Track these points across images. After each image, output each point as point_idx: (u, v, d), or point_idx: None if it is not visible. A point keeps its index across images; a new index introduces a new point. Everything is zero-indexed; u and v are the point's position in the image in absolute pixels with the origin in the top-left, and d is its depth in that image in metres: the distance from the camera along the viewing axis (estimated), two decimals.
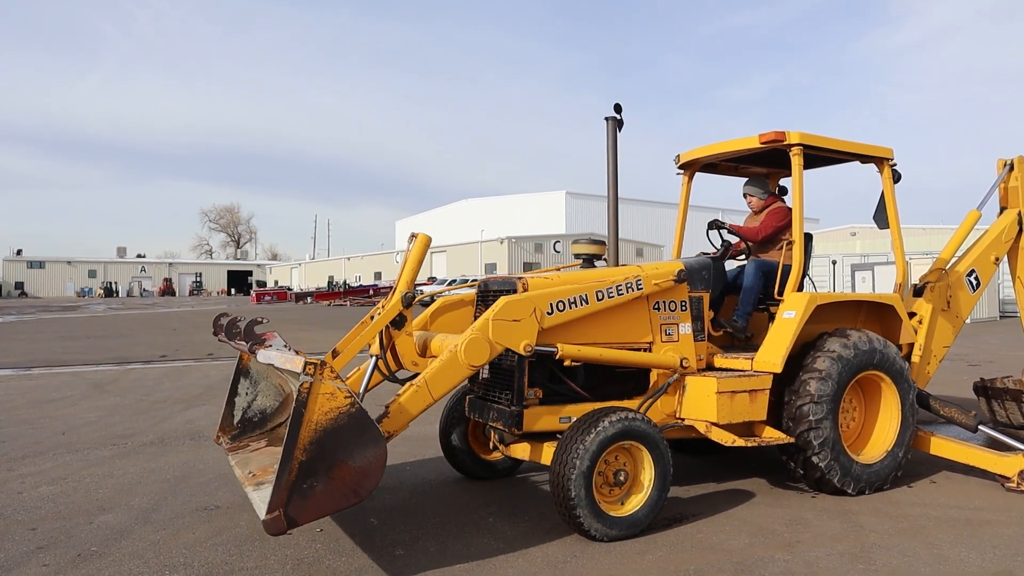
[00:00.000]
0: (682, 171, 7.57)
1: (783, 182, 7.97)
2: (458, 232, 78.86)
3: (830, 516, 5.66)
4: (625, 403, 5.84)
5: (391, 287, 5.90)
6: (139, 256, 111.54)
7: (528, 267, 59.02)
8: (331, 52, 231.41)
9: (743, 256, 7.33)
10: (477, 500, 6.18)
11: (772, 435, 5.95)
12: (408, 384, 5.06)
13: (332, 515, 4.28)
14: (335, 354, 6.04)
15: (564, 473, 4.97)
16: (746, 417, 5.84)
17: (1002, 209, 8.83)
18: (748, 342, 6.66)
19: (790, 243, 6.56)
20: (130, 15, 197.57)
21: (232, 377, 6.33)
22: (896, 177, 7.07)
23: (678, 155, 7.39)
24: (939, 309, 7.86)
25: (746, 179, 7.35)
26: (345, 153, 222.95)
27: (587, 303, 5.56)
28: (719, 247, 6.97)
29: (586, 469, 4.95)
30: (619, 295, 5.70)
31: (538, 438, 5.77)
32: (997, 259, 8.51)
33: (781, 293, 6.38)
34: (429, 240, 5.80)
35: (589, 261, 6.39)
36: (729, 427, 5.83)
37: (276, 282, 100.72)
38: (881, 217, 7.12)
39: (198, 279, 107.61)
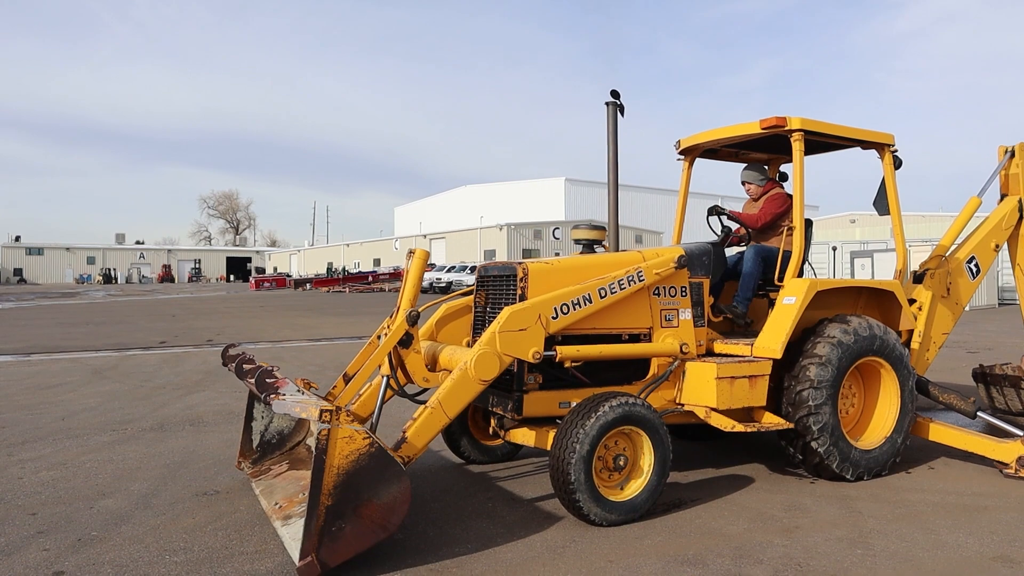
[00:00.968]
0: (683, 157, 7.55)
1: (784, 168, 7.96)
2: (457, 219, 78.83)
3: (828, 502, 5.67)
4: (625, 388, 5.85)
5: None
6: (138, 243, 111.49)
7: (527, 253, 59.00)
8: (330, 38, 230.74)
9: (743, 242, 7.33)
10: (477, 485, 6.19)
11: (771, 420, 5.96)
12: (422, 407, 5.03)
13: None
14: (347, 379, 6.04)
15: (564, 457, 4.97)
16: (746, 403, 5.85)
17: (1003, 196, 8.82)
18: (748, 328, 6.66)
19: (790, 229, 6.55)
20: (128, 0, 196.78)
21: (247, 402, 6.34)
22: (897, 163, 7.05)
23: (679, 140, 7.37)
24: (939, 296, 7.86)
25: (744, 166, 7.33)
26: (344, 139, 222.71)
27: (591, 302, 5.56)
28: (719, 233, 6.96)
29: (586, 454, 4.96)
30: (622, 289, 5.70)
31: (538, 423, 5.78)
32: (997, 246, 8.50)
33: (781, 279, 6.38)
34: (427, 255, 5.79)
35: (589, 246, 6.38)
36: (729, 412, 5.83)
37: (275, 268, 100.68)
38: (881, 203, 7.11)
39: (197, 266, 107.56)
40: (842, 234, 49.26)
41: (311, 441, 6.29)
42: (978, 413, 6.73)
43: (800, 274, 6.75)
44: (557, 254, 56.59)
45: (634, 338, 5.94)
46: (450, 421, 5.06)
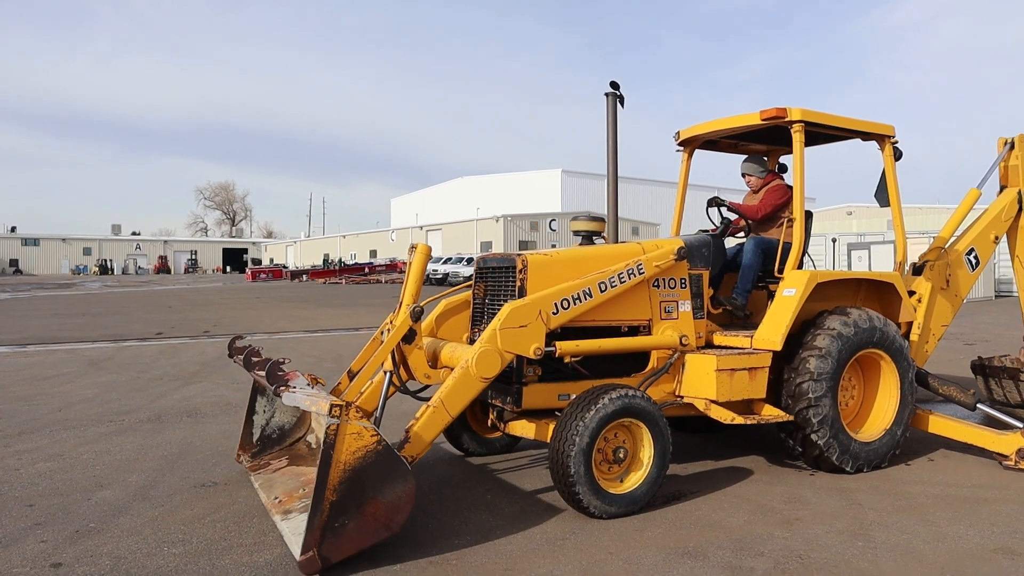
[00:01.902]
0: (682, 148, 7.52)
1: (783, 160, 7.93)
2: (454, 210, 78.67)
3: (828, 494, 5.66)
4: (624, 381, 5.83)
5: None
6: (134, 234, 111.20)
7: (524, 245, 58.93)
8: (328, 29, 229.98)
9: (742, 234, 7.30)
10: (476, 477, 6.18)
11: (771, 413, 5.94)
12: (425, 406, 5.00)
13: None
14: (351, 375, 6.01)
15: (563, 450, 4.96)
16: (745, 395, 5.83)
17: (1002, 188, 8.80)
18: (747, 320, 6.64)
19: (790, 221, 6.53)
20: None
21: (250, 395, 6.31)
22: (897, 155, 7.03)
23: (678, 132, 7.34)
24: (938, 288, 7.85)
25: (744, 158, 7.30)
26: (341, 131, 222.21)
27: (591, 296, 5.53)
28: (719, 224, 6.93)
29: (585, 446, 4.94)
30: (622, 283, 5.68)
31: (537, 415, 5.76)
32: (996, 238, 8.49)
33: (781, 271, 6.36)
34: (429, 250, 5.76)
35: (588, 238, 6.35)
36: (728, 405, 5.82)
37: (271, 260, 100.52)
38: (882, 195, 7.09)
39: (193, 257, 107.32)
40: (839, 226, 49.27)
41: (311, 438, 6.28)
42: (977, 405, 6.73)
43: (800, 266, 6.74)
44: (554, 245, 56.52)
45: (633, 330, 5.92)
46: (453, 419, 5.04)
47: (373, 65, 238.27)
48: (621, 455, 5.21)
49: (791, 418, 5.91)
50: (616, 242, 6.28)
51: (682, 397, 5.98)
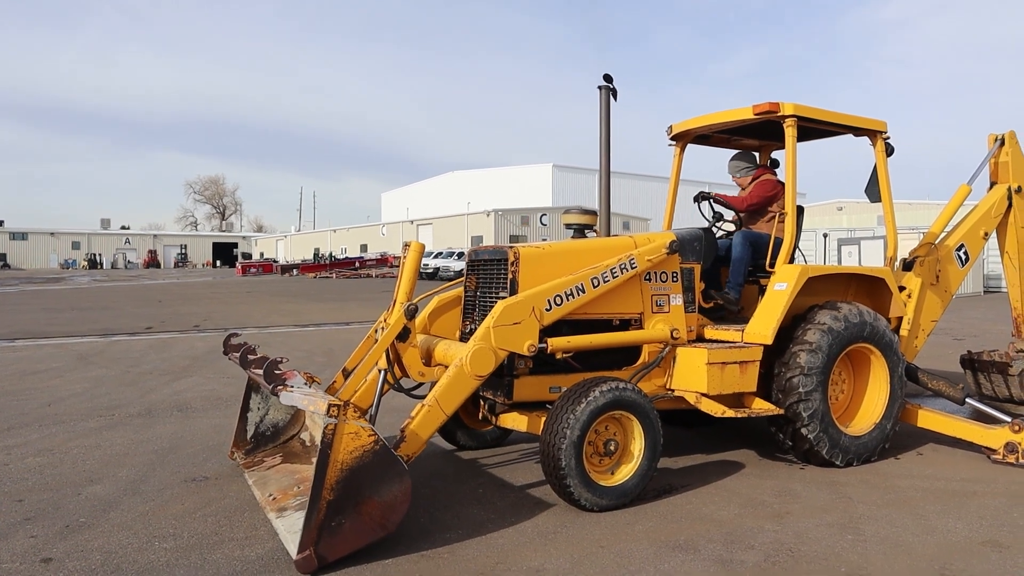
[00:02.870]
0: (674, 142, 7.52)
1: (776, 155, 7.94)
2: (445, 204, 78.61)
3: (818, 487, 5.68)
4: (615, 374, 5.83)
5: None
6: (123, 228, 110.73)
7: (514, 239, 58.89)
8: (319, 23, 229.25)
9: (732, 227, 7.30)
10: (467, 471, 6.18)
11: (762, 406, 5.96)
12: (420, 405, 4.99)
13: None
14: (346, 373, 6.00)
15: (554, 443, 4.96)
16: (736, 388, 5.85)
17: (992, 184, 8.84)
18: (739, 314, 6.65)
19: (782, 215, 6.54)
20: None
21: (244, 392, 6.29)
22: (889, 150, 7.04)
23: (671, 126, 7.34)
24: (928, 283, 7.88)
25: (730, 157, 7.30)
26: (332, 125, 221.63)
27: (584, 292, 5.53)
28: (709, 218, 6.94)
29: (576, 439, 4.94)
30: (615, 278, 5.68)
31: (528, 408, 5.76)
32: (986, 234, 8.52)
33: (772, 265, 6.37)
34: (423, 248, 5.76)
35: (580, 231, 6.36)
36: (719, 398, 5.83)
37: (262, 254, 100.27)
38: (873, 190, 7.11)
39: (183, 251, 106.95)
40: (829, 221, 49.41)
41: (305, 435, 6.27)
42: (966, 400, 6.76)
43: (791, 261, 6.76)
44: (544, 240, 56.49)
45: (625, 323, 5.92)
46: (448, 418, 5.03)
47: (365, 59, 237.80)
48: (612, 448, 5.22)
49: (781, 412, 5.93)
50: (608, 236, 6.28)
51: (673, 390, 5.99)
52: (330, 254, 69.67)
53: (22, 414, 8.34)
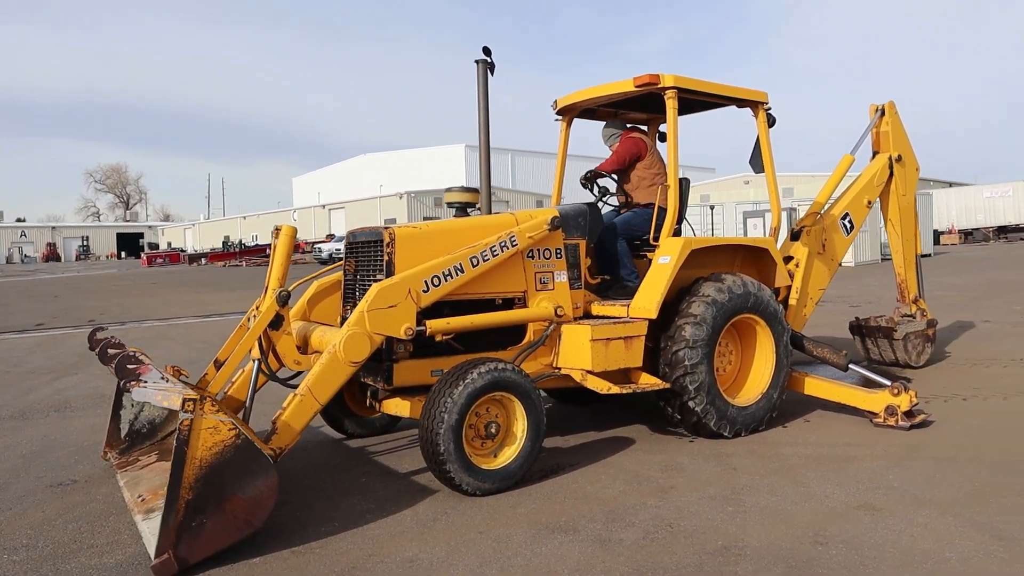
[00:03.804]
0: (560, 117, 7.42)
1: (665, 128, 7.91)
2: (357, 188, 77.46)
3: (705, 460, 5.68)
4: (501, 354, 5.72)
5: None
6: (19, 220, 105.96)
7: (428, 221, 58.32)
8: (226, 4, 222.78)
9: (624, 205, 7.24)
10: (353, 460, 6.00)
11: (648, 381, 5.93)
12: (291, 395, 4.78)
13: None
14: (218, 365, 5.74)
15: (432, 428, 4.82)
16: (622, 364, 5.80)
17: (875, 153, 9.02)
18: (627, 289, 6.61)
19: (665, 187, 6.50)
20: None
21: (116, 390, 5.92)
22: (771, 121, 7.06)
23: (555, 100, 7.23)
24: (815, 252, 7.99)
25: (603, 126, 7.26)
26: (240, 109, 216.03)
27: (463, 272, 5.38)
28: (596, 194, 6.89)
29: (454, 423, 4.81)
30: (495, 256, 5.54)
31: (412, 392, 5.59)
32: (870, 202, 8.70)
33: (656, 238, 6.33)
34: (295, 231, 5.55)
35: (462, 209, 6.21)
36: (605, 375, 5.77)
37: (169, 244, 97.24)
38: (756, 161, 7.13)
39: (85, 243, 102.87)
40: (736, 195, 50.34)
41: None
42: (850, 366, 6.87)
43: (678, 233, 6.75)
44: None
45: (508, 302, 5.81)
46: (322, 407, 4.84)
47: (273, 41, 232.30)
48: (493, 430, 5.10)
49: (668, 386, 5.91)
50: (489, 213, 6.13)
51: (559, 368, 5.91)
52: (239, 241, 67.96)
53: None
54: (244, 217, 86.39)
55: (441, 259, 5.34)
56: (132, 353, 5.02)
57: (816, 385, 6.80)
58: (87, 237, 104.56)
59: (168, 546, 3.93)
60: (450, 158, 76.21)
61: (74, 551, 4.35)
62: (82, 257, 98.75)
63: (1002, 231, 50.08)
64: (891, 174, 8.82)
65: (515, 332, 5.88)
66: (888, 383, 6.48)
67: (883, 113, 8.88)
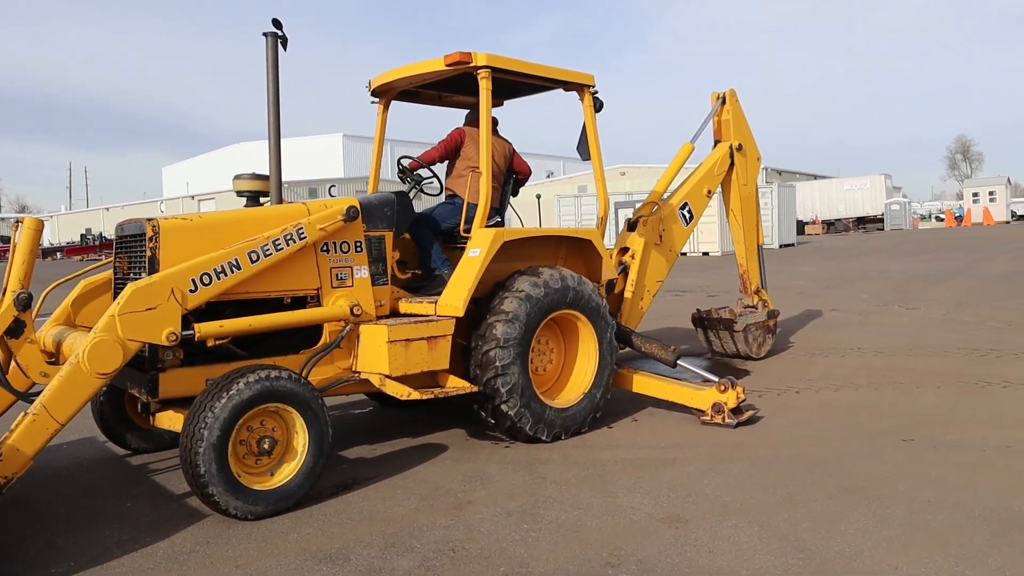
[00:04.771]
0: (377, 99, 6.87)
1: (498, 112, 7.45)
2: (229, 178, 74.74)
3: (515, 468, 5.26)
4: (294, 358, 5.15)
5: None
6: None
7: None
8: None
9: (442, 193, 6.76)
10: (127, 481, 5.32)
11: (455, 384, 5.46)
12: (22, 415, 4.07)
13: None
14: None
15: (192, 447, 4.22)
16: (425, 367, 5.30)
17: (716, 142, 8.84)
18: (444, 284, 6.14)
19: (476, 173, 6.05)
20: None
21: None
22: (598, 105, 6.68)
23: (369, 80, 6.67)
24: (652, 243, 7.72)
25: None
26: (106, 95, 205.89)
27: (240, 268, 4.78)
28: (409, 184, 6.41)
29: (216, 440, 4.21)
30: (278, 251, 4.95)
31: (187, 404, 4.94)
32: (710, 192, 8.49)
33: (468, 230, 5.87)
34: (40, 224, 4.87)
35: (254, 199, 5.60)
36: (407, 378, 5.27)
37: None
38: (584, 148, 6.75)
39: None
40: (613, 186, 50.78)
41: None
42: (678, 362, 6.57)
43: (502, 224, 6.33)
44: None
45: (300, 301, 5.24)
46: (62, 427, 4.14)
47: (141, 25, 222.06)
48: (267, 446, 4.52)
49: (476, 389, 5.46)
50: (280, 203, 5.52)
51: (359, 373, 5.38)
52: (100, 234, 64.52)
53: None
54: (107, 208, 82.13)
55: (213, 255, 4.72)
56: None
57: (644, 382, 6.50)
58: None
59: None
60: (328, 147, 74.42)
61: None
62: None
63: (860, 222, 52.32)
64: (732, 163, 8.64)
65: (310, 334, 5.32)
66: (715, 379, 6.23)
67: (724, 101, 8.70)
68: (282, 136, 5.56)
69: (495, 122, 7.25)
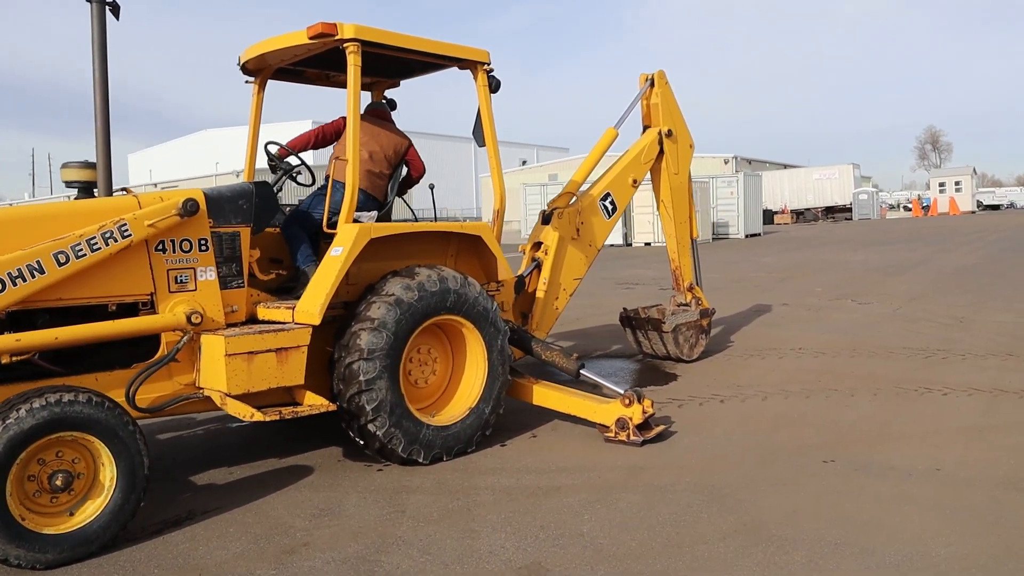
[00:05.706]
0: (251, 79, 6.17)
1: (393, 93, 6.79)
2: (196, 165, 73.35)
3: (377, 497, 4.61)
4: (125, 374, 4.48)
5: None
6: None
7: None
8: None
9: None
10: None
11: (312, 402, 4.80)
12: None
13: None
14: None
15: None
16: (273, 383, 4.63)
17: (645, 128, 8.21)
18: None
19: (343, 161, 5.39)
20: None
21: None
22: (494, 86, 6.01)
23: (239, 56, 5.96)
24: (568, 238, 7.12)
25: None
26: (68, 78, 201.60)
27: (44, 272, 4.10)
28: (278, 173, 5.75)
29: None
30: (94, 251, 4.26)
31: None
32: (636, 182, 7.88)
33: (333, 225, 5.19)
34: None
35: (86, 190, 4.91)
36: (253, 396, 4.61)
37: None
38: (479, 132, 6.08)
39: None
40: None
41: None
42: (581, 372, 5.94)
43: (388, 219, 5.69)
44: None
45: (131, 308, 4.56)
46: None
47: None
48: (59, 482, 3.84)
49: (334, 408, 4.81)
50: (109, 195, 4.82)
51: (203, 389, 4.71)
52: None
53: None
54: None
55: (10, 256, 4.04)
56: None
57: (544, 394, 5.87)
58: None
59: None
60: (296, 134, 73.08)
61: None
62: None
63: (829, 211, 52.04)
64: (662, 150, 8.01)
65: (146, 346, 4.64)
66: (620, 392, 5.61)
67: (652, 83, 8.05)
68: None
69: (392, 106, 6.61)
